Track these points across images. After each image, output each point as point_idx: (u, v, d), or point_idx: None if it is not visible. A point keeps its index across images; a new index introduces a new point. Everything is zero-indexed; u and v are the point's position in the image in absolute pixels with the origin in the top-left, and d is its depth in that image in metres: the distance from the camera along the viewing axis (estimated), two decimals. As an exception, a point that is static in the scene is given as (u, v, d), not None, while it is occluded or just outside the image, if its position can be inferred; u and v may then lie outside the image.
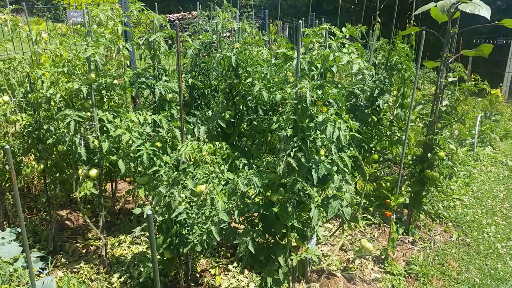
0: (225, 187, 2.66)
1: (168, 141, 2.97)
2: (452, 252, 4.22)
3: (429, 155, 4.13)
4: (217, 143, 2.84)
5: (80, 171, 3.29)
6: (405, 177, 4.65)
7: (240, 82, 3.21)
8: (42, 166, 3.51)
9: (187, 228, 2.65)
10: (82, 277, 3.54)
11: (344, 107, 4.60)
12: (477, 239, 4.52)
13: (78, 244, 3.98)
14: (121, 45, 3.22)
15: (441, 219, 4.83)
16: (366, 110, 4.52)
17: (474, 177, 6.15)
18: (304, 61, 2.61)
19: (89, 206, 4.58)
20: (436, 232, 4.59)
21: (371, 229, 4.52)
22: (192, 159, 2.57)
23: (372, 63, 5.36)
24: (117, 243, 3.96)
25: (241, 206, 2.50)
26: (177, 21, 3.07)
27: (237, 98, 3.24)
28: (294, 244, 2.78)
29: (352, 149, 3.14)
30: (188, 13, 15.47)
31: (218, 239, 2.39)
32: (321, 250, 4.04)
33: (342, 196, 2.72)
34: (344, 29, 2.42)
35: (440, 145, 4.18)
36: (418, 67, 3.51)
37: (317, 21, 5.08)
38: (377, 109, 4.94)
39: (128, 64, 5.25)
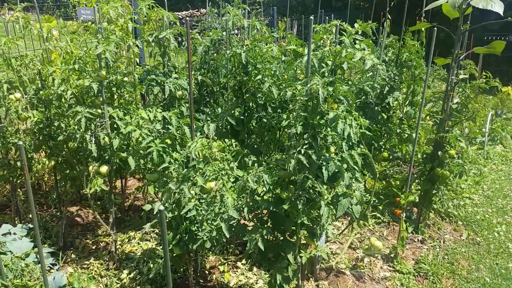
0: (234, 184, 2.67)
1: (177, 138, 2.98)
2: (462, 251, 4.19)
3: (439, 153, 4.10)
4: (226, 140, 2.84)
5: (90, 167, 3.31)
6: (415, 175, 4.62)
7: (250, 79, 3.21)
8: (53, 162, 3.54)
9: (196, 224, 2.66)
10: (92, 273, 3.57)
11: (354, 105, 4.60)
12: (488, 238, 4.48)
13: (88, 240, 4.01)
14: (131, 42, 3.23)
15: (450, 218, 4.79)
16: (376, 108, 4.49)
17: (484, 175, 6.10)
18: (314, 58, 2.59)
19: (99, 202, 4.61)
20: (445, 231, 4.56)
21: (380, 228, 4.50)
22: (202, 156, 2.58)
23: (382, 60, 5.33)
24: (127, 240, 3.99)
25: (251, 203, 2.50)
26: (187, 19, 3.07)
27: (247, 95, 3.23)
28: (303, 241, 2.77)
29: (362, 146, 3.13)
30: (196, 11, 15.49)
31: (228, 236, 2.39)
32: (330, 248, 4.03)
33: (351, 194, 2.71)
34: (356, 25, 2.40)
35: (451, 143, 4.15)
36: (429, 64, 3.48)
37: (326, 17, 5.07)
38: (387, 106, 4.91)
39: (138, 62, 5.27)
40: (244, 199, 2.53)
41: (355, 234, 4.31)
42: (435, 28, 3.39)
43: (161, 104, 3.55)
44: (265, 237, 2.50)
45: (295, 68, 3.11)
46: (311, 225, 2.56)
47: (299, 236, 2.51)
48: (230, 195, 2.40)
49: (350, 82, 2.94)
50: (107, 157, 3.26)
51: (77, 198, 4.63)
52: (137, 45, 3.80)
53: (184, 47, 3.53)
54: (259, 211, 2.63)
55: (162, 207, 1.33)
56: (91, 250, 3.91)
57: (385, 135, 4.87)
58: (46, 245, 3.86)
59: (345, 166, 2.95)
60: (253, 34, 3.94)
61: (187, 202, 2.63)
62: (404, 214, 3.74)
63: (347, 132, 2.22)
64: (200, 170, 2.47)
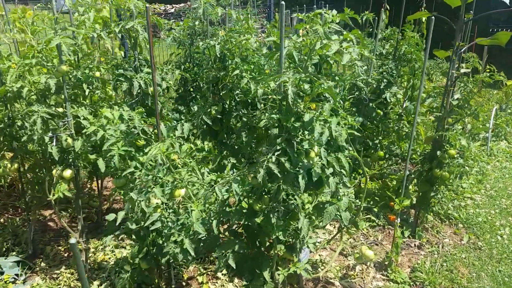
0: (209, 191, 2.39)
1: (145, 139, 2.70)
2: (462, 257, 3.89)
3: (438, 153, 3.79)
4: (198, 142, 2.55)
5: (54, 171, 3.03)
6: (413, 175, 4.32)
7: (227, 74, 2.91)
8: (16, 165, 3.26)
9: (163, 238, 2.38)
10: (60, 283, 3.31)
11: (344, 101, 4.29)
12: (490, 242, 4.18)
13: (60, 247, 3.74)
14: (95, 34, 2.93)
15: (450, 220, 4.49)
16: (371, 104, 4.18)
17: (487, 174, 5.78)
18: (294, 50, 2.29)
19: (74, 206, 4.34)
20: (445, 234, 4.26)
21: (374, 232, 4.21)
22: (169, 162, 2.29)
23: (379, 53, 5.02)
24: (101, 247, 3.71)
25: (220, 216, 2.21)
26: (147, 6, 2.74)
27: (224, 92, 2.93)
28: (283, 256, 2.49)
29: (351, 148, 2.83)
30: (188, 3, 15.14)
31: (193, 254, 2.11)
32: (319, 255, 3.75)
33: (336, 203, 2.42)
34: (333, 12, 2.10)
35: (451, 142, 3.84)
36: (426, 56, 3.17)
37: (326, 7, 4.76)
38: (384, 102, 4.60)
39: (123, 55, 4.98)
40: (214, 210, 2.25)
41: (348, 239, 4.02)
42: (433, 17, 3.07)
43: (134, 101, 3.25)
44: (239, 251, 2.22)
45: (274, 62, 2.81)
46: (288, 240, 2.27)
47: (276, 251, 2.22)
48: (196, 206, 2.11)
49: (337, 78, 2.63)
50: (70, 160, 2.98)
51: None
52: (121, 38, 3.52)
53: (160, 39, 3.21)
54: (231, 223, 2.35)
55: (74, 241, 1.05)
56: (63, 258, 3.65)
57: (381, 132, 4.56)
58: (14, 253, 3.60)
59: (330, 170, 2.66)
60: (239, 25, 3.63)
61: (151, 212, 2.35)
62: (399, 219, 3.45)
63: (326, 136, 1.93)
64: (160, 179, 2.18)
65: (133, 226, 2.44)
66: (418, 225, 4.16)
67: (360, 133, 4.28)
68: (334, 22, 2.02)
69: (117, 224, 2.53)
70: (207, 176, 2.50)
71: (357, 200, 3.01)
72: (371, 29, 5.29)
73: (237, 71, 2.74)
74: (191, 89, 4.11)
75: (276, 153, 1.96)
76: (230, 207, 2.27)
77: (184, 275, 3.36)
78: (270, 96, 1.91)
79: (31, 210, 3.52)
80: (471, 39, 5.60)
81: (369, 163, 4.90)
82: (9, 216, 4.18)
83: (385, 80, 4.53)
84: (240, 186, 2.14)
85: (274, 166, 1.94)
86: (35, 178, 3.31)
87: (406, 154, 4.80)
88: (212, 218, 2.19)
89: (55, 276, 3.39)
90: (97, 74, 3.36)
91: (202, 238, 2.23)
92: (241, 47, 2.88)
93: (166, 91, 3.40)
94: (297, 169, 2.06)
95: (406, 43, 4.80)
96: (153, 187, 2.14)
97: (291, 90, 1.83)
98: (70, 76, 2.99)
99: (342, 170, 2.78)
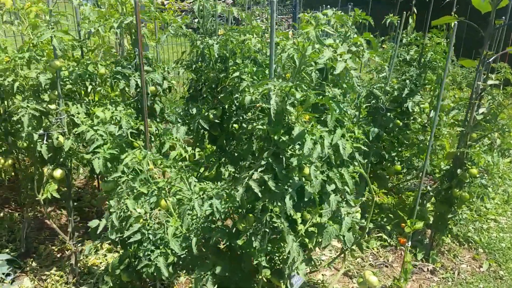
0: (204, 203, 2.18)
1: (131, 143, 2.53)
2: (479, 287, 3.56)
3: (458, 171, 3.48)
4: (189, 148, 2.36)
5: (45, 170, 2.91)
6: (431, 192, 4.00)
7: (227, 76, 2.71)
8: (10, 161, 3.15)
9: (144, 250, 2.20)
10: (48, 286, 3.19)
11: (360, 110, 4.01)
12: (513, 271, 3.83)
13: (54, 247, 3.63)
14: (92, 29, 2.79)
15: (470, 244, 4.15)
16: (389, 114, 3.89)
17: (516, 194, 5.36)
18: (295, 53, 2.06)
19: (76, 203, 4.23)
20: (462, 259, 3.93)
21: (385, 252, 3.92)
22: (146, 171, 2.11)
23: (403, 59, 4.71)
24: (94, 250, 3.58)
25: (200, 233, 2.01)
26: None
27: (222, 95, 2.73)
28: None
29: (356, 164, 2.59)
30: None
31: (166, 274, 1.92)
32: (322, 275, 3.51)
33: (332, 226, 2.18)
34: (329, 12, 1.86)
35: (473, 160, 3.52)
36: (448, 63, 2.88)
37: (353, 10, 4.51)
38: (407, 111, 4.29)
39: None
40: (196, 225, 2.05)
41: (355, 259, 3.76)
42: (456, 22, 2.79)
43: (133, 100, 3.10)
44: (221, 274, 2.01)
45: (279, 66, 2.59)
46: (275, 265, 2.05)
47: (260, 277, 2.01)
48: (175, 221, 1.92)
49: (345, 85, 2.39)
50: (61, 159, 2.84)
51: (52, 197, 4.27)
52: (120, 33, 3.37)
53: (165, 35, 3.03)
54: (212, 242, 2.13)
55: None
56: (55, 258, 3.53)
57: (400, 144, 4.25)
58: (7, 250, 3.51)
59: (332, 187, 2.43)
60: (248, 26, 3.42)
61: (132, 222, 2.17)
62: (410, 242, 3.16)
63: (317, 153, 1.69)
64: (136, 190, 2.00)
65: (113, 236, 2.27)
66: (433, 247, 3.85)
67: (375, 144, 4.00)
68: (330, 24, 1.78)
69: (98, 232, 2.37)
70: (196, 186, 2.30)
71: (363, 220, 2.75)
72: (393, 33, 5.00)
73: (237, 73, 2.54)
74: (204, 89, 3.94)
75: (260, 169, 1.74)
76: (214, 223, 2.07)
77: (174, 287, 3.18)
78: (257, 105, 1.70)
79: (25, 208, 3.42)
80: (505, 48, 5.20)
81: (386, 177, 4.60)
82: (9, 210, 4.11)
83: (407, 88, 4.23)
84: (223, 202, 1.93)
85: (254, 184, 1.72)
86: (27, 176, 3.20)
87: (430, 168, 4.48)
88: (192, 235, 2.00)
89: (44, 277, 3.28)
90: (102, 70, 3.22)
91: (182, 256, 2.04)
92: (244, 47, 2.67)
93: (168, 91, 3.24)
94: (286, 187, 1.84)
95: (432, 49, 4.48)
96: (127, 198, 1.96)
97: (275, 100, 1.62)
98: (67, 72, 2.86)
99: (345, 187, 2.54)
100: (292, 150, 1.80)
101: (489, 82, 3.29)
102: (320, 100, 1.74)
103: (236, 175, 2.83)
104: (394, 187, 4.93)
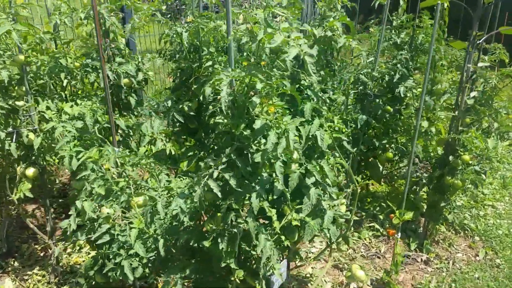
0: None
1: (97, 140, 2.41)
2: (475, 276, 3.46)
3: (450, 157, 3.35)
4: (160, 143, 2.24)
5: (18, 168, 2.81)
6: (424, 180, 3.88)
7: (200, 66, 2.58)
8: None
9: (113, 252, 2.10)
10: (30, 286, 3.11)
11: (348, 97, 3.87)
12: (510, 259, 3.71)
13: (37, 246, 3.55)
14: (58, 20, 2.66)
15: (466, 232, 4.03)
16: (378, 100, 3.75)
17: (514, 178, 5.23)
18: (247, 39, 1.93)
19: (61, 200, 4.15)
20: (458, 248, 3.82)
21: (378, 242, 3.81)
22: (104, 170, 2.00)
23: (393, 43, 4.54)
24: (78, 248, 3.49)
25: (167, 235, 1.91)
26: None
27: (196, 86, 2.61)
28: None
29: (337, 155, 2.47)
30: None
31: (132, 279, 1.82)
32: (311, 268, 3.41)
33: (309, 222, 2.07)
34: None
35: (466, 146, 3.39)
36: (431, 45, 2.74)
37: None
38: (399, 97, 4.15)
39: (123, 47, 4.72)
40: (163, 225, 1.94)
41: (347, 249, 3.65)
42: (440, 3, 2.63)
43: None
44: (191, 277, 1.91)
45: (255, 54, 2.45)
46: (251, 265, 1.94)
47: (233, 278, 1.90)
48: (139, 222, 1.82)
49: (323, 72, 2.26)
50: (33, 158, 2.74)
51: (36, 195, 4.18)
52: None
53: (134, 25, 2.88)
54: (179, 243, 2.03)
55: None
56: (38, 257, 3.45)
57: (391, 131, 4.11)
58: (-11, 250, 3.43)
59: (312, 180, 2.32)
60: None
61: (100, 223, 2.07)
62: (399, 234, 3.05)
63: (281, 148, 1.57)
64: (94, 190, 1.89)
65: (82, 238, 2.17)
66: (427, 237, 3.74)
67: (365, 132, 3.87)
68: (282, 5, 1.64)
69: (68, 233, 2.27)
70: (179, 181, 2.19)
71: (348, 213, 2.64)
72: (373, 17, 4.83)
73: (209, 63, 2.41)
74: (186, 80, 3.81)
75: (220, 168, 1.63)
76: (183, 223, 1.96)
77: (159, 284, 3.10)
78: (218, 97, 1.58)
79: (3, 208, 3.34)
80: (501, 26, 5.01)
81: (378, 165, 4.47)
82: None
83: (398, 73, 4.08)
84: (188, 202, 1.82)
85: (214, 184, 1.61)
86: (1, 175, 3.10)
87: (423, 154, 4.34)
88: (160, 237, 1.90)
89: (26, 277, 3.20)
90: (78, 63, 3.10)
91: (151, 258, 1.94)
92: (217, 35, 2.53)
93: (144, 83, 3.11)
94: (254, 184, 1.72)
95: (423, 31, 4.32)
96: (84, 200, 1.86)
97: (226, 91, 1.49)
98: (35, 67, 2.73)
99: (326, 180, 2.43)
100: (258, 145, 1.68)
101: (480, 64, 3.14)
102: (286, 90, 1.61)
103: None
104: (388, 175, 4.81)
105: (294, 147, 1.57)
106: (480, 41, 2.99)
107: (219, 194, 1.61)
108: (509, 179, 5.15)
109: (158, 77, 6.87)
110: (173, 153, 2.61)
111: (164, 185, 2.07)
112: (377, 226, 3.93)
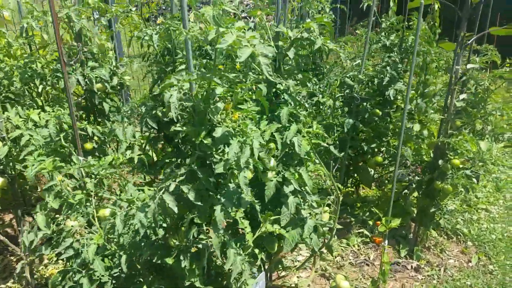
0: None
1: (64, 149, 2.30)
2: (467, 284, 3.34)
3: (440, 162, 3.24)
4: (127, 152, 2.13)
5: (-13, 178, 2.69)
6: (414, 184, 3.77)
7: (174, 70, 2.47)
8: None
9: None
10: (3, 301, 3.00)
11: (335, 101, 3.76)
12: (504, 265, 3.59)
13: (12, 257, 3.43)
14: (25, 24, 2.55)
15: (459, 237, 3.92)
16: (365, 104, 3.64)
17: (508, 181, 5.12)
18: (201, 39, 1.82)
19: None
20: (450, 254, 3.70)
21: (367, 249, 3.70)
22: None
23: (382, 45, 4.44)
24: (55, 259, 3.37)
25: (128, 250, 1.79)
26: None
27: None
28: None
29: (317, 161, 2.35)
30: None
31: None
32: (297, 277, 3.29)
33: (284, 234, 1.96)
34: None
35: (456, 150, 3.28)
36: (416, 46, 2.63)
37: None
38: (389, 100, 4.04)
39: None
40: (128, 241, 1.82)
41: (335, 257, 3.54)
42: (423, 2, 2.52)
43: (81, 99, 2.87)
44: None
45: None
46: (222, 280, 1.82)
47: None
48: (98, 238, 1.70)
49: (300, 75, 2.16)
50: (1, 167, 2.62)
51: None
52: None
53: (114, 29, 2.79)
54: (141, 260, 1.91)
55: None
56: (13, 269, 3.33)
57: (380, 135, 4.00)
58: (-37, 263, 3.31)
59: (291, 188, 2.21)
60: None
61: (65, 236, 1.95)
62: (387, 242, 2.94)
63: (245, 158, 1.45)
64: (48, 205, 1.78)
65: (47, 252, 2.05)
66: (418, 243, 3.62)
67: (352, 136, 3.76)
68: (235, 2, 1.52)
69: (31, 247, 2.15)
70: (140, 193, 2.07)
71: (331, 221, 2.53)
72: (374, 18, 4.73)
73: (183, 66, 2.30)
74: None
75: (177, 180, 1.50)
76: (148, 238, 1.84)
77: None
78: (179, 103, 1.46)
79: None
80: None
81: (368, 169, 4.35)
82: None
83: (388, 75, 3.97)
84: (146, 214, 1.69)
85: (170, 198, 1.49)
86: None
87: (413, 158, 4.23)
88: (122, 252, 1.78)
89: (0, 291, 3.08)
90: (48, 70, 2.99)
91: (115, 275, 1.82)
92: (191, 38, 2.41)
93: (120, 88, 3.00)
94: (219, 196, 1.60)
95: (413, 33, 4.22)
96: (38, 212, 1.75)
97: (176, 96, 1.38)
98: (2, 72, 2.62)
99: (306, 188, 2.33)
100: (222, 154, 1.56)
101: (469, 66, 3.03)
102: (251, 95, 1.50)
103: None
104: (379, 179, 4.69)
105: (261, 156, 1.46)
106: (469, 42, 2.88)
107: (175, 209, 1.49)
108: (503, 182, 5.05)
109: (148, 81, 6.77)
110: (147, 160, 2.50)
111: (131, 195, 1.95)
112: (366, 232, 3.82)
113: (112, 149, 3.07)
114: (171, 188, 1.52)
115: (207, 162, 1.59)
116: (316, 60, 4.30)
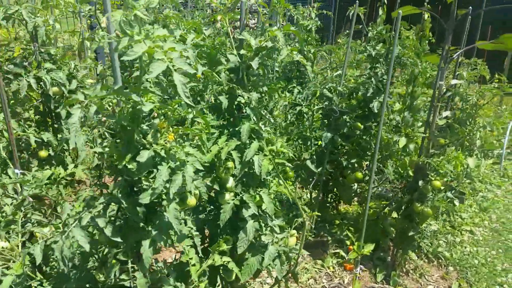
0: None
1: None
2: (445, 313, 3.15)
3: (420, 182, 3.05)
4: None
5: None
6: (393, 204, 3.58)
7: (130, 75, 2.28)
8: None
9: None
10: None
11: (313, 114, 3.58)
12: (485, 293, 3.41)
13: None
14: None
15: (440, 261, 3.73)
16: (345, 117, 3.45)
17: (495, 200, 4.95)
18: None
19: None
20: (430, 279, 3.51)
21: (341, 271, 3.49)
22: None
23: (368, 55, 4.26)
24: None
25: (54, 280, 1.58)
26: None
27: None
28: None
29: (281, 182, 2.16)
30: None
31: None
32: (265, 300, 3.09)
33: (232, 268, 1.75)
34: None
35: (438, 171, 3.09)
36: (393, 57, 2.46)
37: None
38: (372, 112, 3.85)
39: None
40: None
41: (307, 280, 3.34)
42: (401, 13, 2.35)
43: (37, 104, 2.66)
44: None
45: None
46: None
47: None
48: (17, 268, 1.49)
49: (266, 88, 1.97)
50: None
51: None
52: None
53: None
54: None
55: None
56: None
57: (360, 150, 3.81)
58: None
59: (250, 211, 2.02)
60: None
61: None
62: (359, 269, 2.74)
63: (175, 187, 1.25)
64: None
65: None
66: (396, 267, 3.43)
67: (331, 150, 3.57)
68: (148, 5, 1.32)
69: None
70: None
71: (297, 246, 2.33)
72: (360, 26, 4.56)
73: (137, 73, 2.09)
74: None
75: (97, 209, 1.30)
76: (77, 268, 1.64)
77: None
78: (103, 119, 1.27)
79: None
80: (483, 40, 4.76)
81: (350, 185, 4.16)
82: None
83: (372, 87, 3.79)
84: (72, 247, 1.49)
85: (81, 234, 1.27)
86: None
87: (393, 175, 4.04)
88: (47, 283, 1.57)
89: None
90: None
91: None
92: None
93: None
94: (151, 228, 1.40)
95: (400, 43, 4.04)
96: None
97: (78, 116, 1.18)
98: None
99: (267, 211, 2.13)
100: (153, 180, 1.35)
101: (453, 81, 2.85)
102: (187, 112, 1.29)
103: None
104: (361, 194, 4.50)
105: (196, 185, 1.26)
106: (454, 56, 2.71)
107: (86, 247, 1.29)
108: (490, 201, 4.88)
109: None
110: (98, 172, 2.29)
111: (68, 215, 1.74)
112: (342, 253, 3.62)
113: (71, 157, 2.87)
114: (84, 222, 1.30)
115: (135, 189, 1.39)
116: (300, 68, 4.12)
